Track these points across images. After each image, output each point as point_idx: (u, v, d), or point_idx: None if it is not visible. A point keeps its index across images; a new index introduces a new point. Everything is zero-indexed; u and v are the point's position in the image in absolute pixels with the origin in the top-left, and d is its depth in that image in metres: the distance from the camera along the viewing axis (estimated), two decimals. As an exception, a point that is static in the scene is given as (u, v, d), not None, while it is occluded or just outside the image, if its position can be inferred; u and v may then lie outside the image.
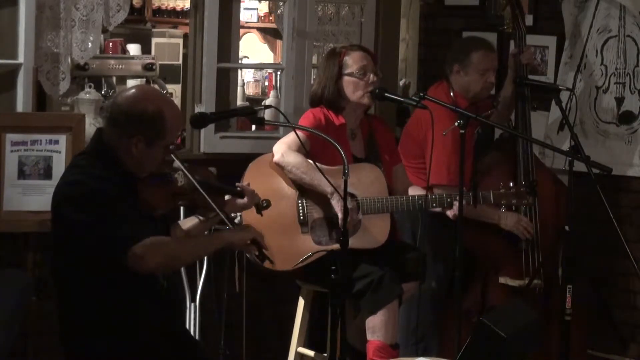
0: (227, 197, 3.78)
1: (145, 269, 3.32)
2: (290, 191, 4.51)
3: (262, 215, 3.83)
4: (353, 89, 4.58)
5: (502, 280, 4.98)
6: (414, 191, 4.70)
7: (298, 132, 4.25)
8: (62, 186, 3.44)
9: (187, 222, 3.81)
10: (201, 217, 3.77)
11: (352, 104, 4.61)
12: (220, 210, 3.62)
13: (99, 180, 3.35)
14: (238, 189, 3.82)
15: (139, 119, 3.39)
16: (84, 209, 3.32)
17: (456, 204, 4.40)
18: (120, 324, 3.39)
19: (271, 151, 4.56)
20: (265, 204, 3.81)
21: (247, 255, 4.47)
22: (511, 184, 4.63)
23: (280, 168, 4.51)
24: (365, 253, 4.43)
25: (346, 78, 4.59)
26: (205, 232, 3.84)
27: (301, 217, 4.49)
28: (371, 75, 4.57)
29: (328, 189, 4.35)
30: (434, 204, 4.58)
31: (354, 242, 4.20)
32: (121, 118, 3.41)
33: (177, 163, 3.56)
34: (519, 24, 5.06)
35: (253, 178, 4.38)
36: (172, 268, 3.59)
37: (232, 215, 4.03)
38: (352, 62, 4.59)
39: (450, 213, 4.62)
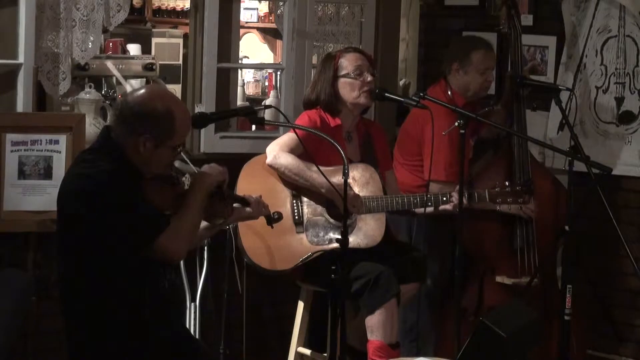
0: (235, 205, 3.73)
1: (174, 257, 3.40)
2: (284, 191, 4.50)
3: (272, 227, 3.81)
4: (349, 90, 4.56)
5: (499, 279, 4.98)
6: None
7: (295, 132, 4.25)
8: (69, 180, 3.42)
9: None
10: (207, 223, 3.67)
11: (348, 105, 4.60)
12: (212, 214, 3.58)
13: (108, 174, 3.33)
14: (244, 197, 3.74)
15: (148, 117, 3.38)
16: (97, 204, 3.29)
17: (453, 198, 4.42)
18: (124, 325, 3.37)
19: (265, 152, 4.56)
20: (276, 216, 3.78)
21: (245, 259, 4.48)
22: (507, 183, 4.63)
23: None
24: (364, 252, 4.43)
25: (342, 80, 4.58)
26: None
27: (296, 217, 4.49)
28: (367, 75, 4.57)
29: (322, 189, 4.36)
30: (430, 203, 4.58)
31: (350, 241, 4.19)
32: (131, 116, 3.40)
33: (184, 165, 3.55)
34: (514, 24, 5.06)
35: (247, 179, 4.39)
36: (194, 244, 3.61)
37: (234, 225, 4.01)
38: (347, 63, 4.58)
39: (449, 206, 4.61)
